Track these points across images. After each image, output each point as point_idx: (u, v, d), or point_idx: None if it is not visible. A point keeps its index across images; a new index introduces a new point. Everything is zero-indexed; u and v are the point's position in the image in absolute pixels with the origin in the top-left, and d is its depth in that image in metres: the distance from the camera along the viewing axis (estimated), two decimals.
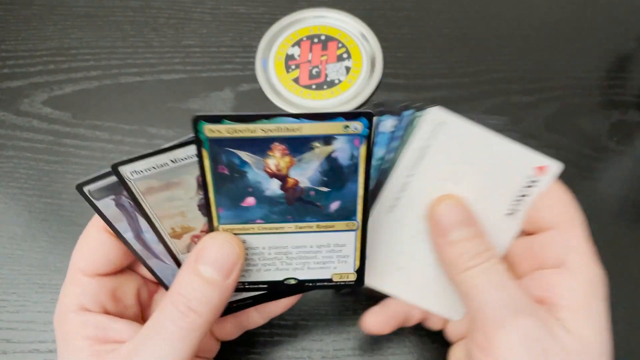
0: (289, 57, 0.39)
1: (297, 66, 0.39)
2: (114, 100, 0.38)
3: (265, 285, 0.24)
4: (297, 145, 0.21)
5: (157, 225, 0.22)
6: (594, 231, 0.33)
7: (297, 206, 0.22)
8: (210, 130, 0.20)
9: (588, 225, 0.33)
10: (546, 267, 0.22)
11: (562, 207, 0.23)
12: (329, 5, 0.41)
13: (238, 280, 0.22)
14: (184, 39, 0.40)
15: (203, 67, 0.39)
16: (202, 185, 0.21)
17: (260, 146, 0.20)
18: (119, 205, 0.22)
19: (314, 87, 0.38)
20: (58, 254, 0.32)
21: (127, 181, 0.22)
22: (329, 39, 0.40)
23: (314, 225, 0.22)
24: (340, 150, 0.21)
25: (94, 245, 0.23)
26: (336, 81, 0.38)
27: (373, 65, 0.39)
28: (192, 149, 0.20)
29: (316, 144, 0.21)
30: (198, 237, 0.22)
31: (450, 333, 0.26)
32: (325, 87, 0.38)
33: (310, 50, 0.39)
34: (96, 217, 0.22)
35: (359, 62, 0.39)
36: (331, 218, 0.22)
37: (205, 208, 0.22)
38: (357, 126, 0.21)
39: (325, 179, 0.21)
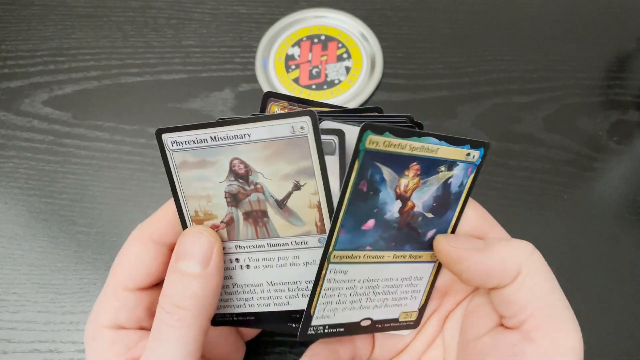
0: (289, 57, 0.39)
1: (297, 66, 0.39)
2: (114, 100, 0.38)
3: (342, 329, 0.22)
4: (429, 168, 0.20)
5: (182, 204, 0.22)
6: (594, 231, 0.33)
7: (404, 232, 0.21)
8: (373, 141, 0.19)
9: (588, 225, 0.33)
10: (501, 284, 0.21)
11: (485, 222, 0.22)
12: (329, 5, 0.41)
13: (320, 325, 0.21)
14: (184, 39, 0.40)
15: (203, 67, 0.39)
16: (338, 201, 0.20)
17: (401, 164, 0.20)
18: None
19: (314, 87, 0.38)
20: (58, 254, 0.32)
21: (166, 150, 0.21)
22: (329, 39, 0.40)
23: (407, 255, 0.22)
24: (456, 176, 0.21)
25: (137, 258, 0.22)
26: (336, 81, 0.38)
27: (373, 65, 0.39)
28: (234, 130, 0.20)
29: (442, 168, 0.21)
30: (217, 227, 0.21)
31: None
32: (325, 87, 0.38)
33: (310, 51, 0.39)
34: (138, 229, 0.22)
35: (359, 62, 0.39)
36: (423, 247, 0.22)
37: (329, 230, 0.20)
38: (475, 154, 0.21)
39: (434, 204, 0.21)
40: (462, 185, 0.21)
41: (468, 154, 0.21)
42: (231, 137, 0.20)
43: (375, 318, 0.22)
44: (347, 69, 0.38)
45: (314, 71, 0.38)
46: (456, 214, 0.22)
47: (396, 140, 0.19)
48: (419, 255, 0.22)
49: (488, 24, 0.40)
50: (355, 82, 0.38)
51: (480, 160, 0.21)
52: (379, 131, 0.19)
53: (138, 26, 0.41)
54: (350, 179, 0.19)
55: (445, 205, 0.21)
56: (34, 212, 0.34)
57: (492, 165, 0.35)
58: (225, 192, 0.21)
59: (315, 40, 0.40)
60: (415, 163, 0.20)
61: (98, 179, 0.35)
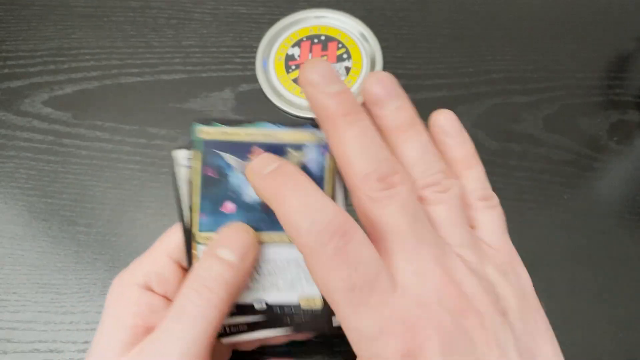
0: (289, 58, 0.39)
1: (297, 66, 0.39)
2: (114, 100, 0.38)
3: (235, 310, 0.22)
4: (274, 152, 0.22)
5: (184, 215, 0.22)
6: (594, 231, 0.33)
7: (271, 213, 0.21)
8: (204, 132, 0.22)
9: (588, 225, 0.33)
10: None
11: None
12: (329, 5, 0.41)
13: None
14: (184, 39, 0.40)
15: (203, 67, 0.39)
16: (189, 188, 0.22)
17: (243, 150, 0.22)
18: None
19: None
20: (58, 254, 0.32)
21: (175, 165, 0.22)
22: (329, 39, 0.40)
23: (284, 236, 0.22)
24: (311, 160, 0.22)
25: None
26: None
27: (373, 65, 0.39)
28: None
29: (289, 149, 0.22)
30: None
31: None
32: None
33: (310, 51, 0.39)
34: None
35: (359, 62, 0.39)
36: None
37: (187, 213, 0.22)
38: (322, 136, 0.22)
39: None
40: (321, 168, 0.22)
41: (313, 134, 0.22)
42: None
43: (270, 301, 0.22)
44: (347, 69, 0.38)
45: None
46: (326, 187, 0.22)
47: (228, 129, 0.22)
48: None
49: (488, 24, 0.40)
50: (356, 82, 0.38)
51: None
52: (208, 123, 0.22)
53: (138, 26, 0.41)
54: (195, 166, 0.22)
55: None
56: (34, 212, 0.34)
57: (492, 165, 0.35)
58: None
59: (315, 41, 0.40)
60: (257, 147, 0.22)
61: (98, 179, 0.35)
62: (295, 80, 0.38)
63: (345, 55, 0.39)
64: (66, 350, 0.30)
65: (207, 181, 0.22)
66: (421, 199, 0.19)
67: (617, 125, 0.36)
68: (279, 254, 0.22)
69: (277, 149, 0.22)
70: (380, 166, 0.18)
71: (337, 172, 0.22)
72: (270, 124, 0.22)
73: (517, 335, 0.18)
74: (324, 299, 0.22)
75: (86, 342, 0.30)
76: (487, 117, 0.36)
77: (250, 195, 0.22)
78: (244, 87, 0.38)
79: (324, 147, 0.22)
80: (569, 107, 0.37)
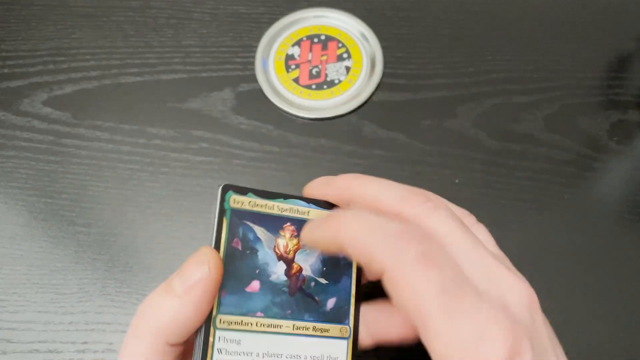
0: (289, 57, 0.39)
1: (297, 66, 0.39)
2: (114, 100, 0.38)
3: None
4: None
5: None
6: (594, 231, 0.33)
7: (298, 299, 0.21)
8: (235, 201, 0.20)
9: (588, 225, 0.33)
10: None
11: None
12: (329, 5, 0.41)
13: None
14: (184, 39, 0.40)
15: (203, 67, 0.39)
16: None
17: (274, 224, 0.21)
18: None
19: (314, 87, 0.38)
20: (58, 254, 0.32)
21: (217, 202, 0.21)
22: (329, 38, 0.40)
23: (310, 327, 0.21)
24: None
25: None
26: (336, 81, 0.38)
27: (373, 65, 0.39)
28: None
29: None
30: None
31: None
32: (325, 87, 0.38)
33: (310, 50, 0.39)
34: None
35: (359, 62, 0.39)
36: (327, 319, 0.21)
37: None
38: None
39: (324, 269, 0.21)
40: None
41: None
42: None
43: None
44: (347, 69, 0.38)
45: (314, 71, 0.38)
46: (353, 281, 0.21)
47: (261, 201, 0.20)
48: (325, 328, 0.21)
49: (488, 24, 0.40)
50: (355, 82, 0.38)
51: None
52: (241, 191, 0.20)
53: (138, 26, 0.41)
54: (220, 237, 0.20)
55: (338, 270, 0.21)
56: (33, 212, 0.34)
57: (492, 165, 0.35)
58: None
59: (315, 40, 0.40)
60: (289, 224, 0.21)
61: (98, 179, 0.35)
62: (295, 80, 0.38)
63: (345, 55, 0.39)
64: (65, 351, 0.30)
65: (233, 254, 0.20)
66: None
67: (617, 125, 0.36)
68: (304, 348, 0.20)
69: None
70: (411, 188, 0.19)
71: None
72: (303, 202, 0.21)
73: (550, 327, 0.19)
74: None
75: (86, 342, 0.30)
76: (487, 117, 0.36)
77: (277, 274, 0.20)
78: (244, 86, 0.38)
79: None
80: (569, 107, 0.37)
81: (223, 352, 0.19)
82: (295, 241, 0.21)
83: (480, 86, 0.38)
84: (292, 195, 0.21)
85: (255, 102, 0.37)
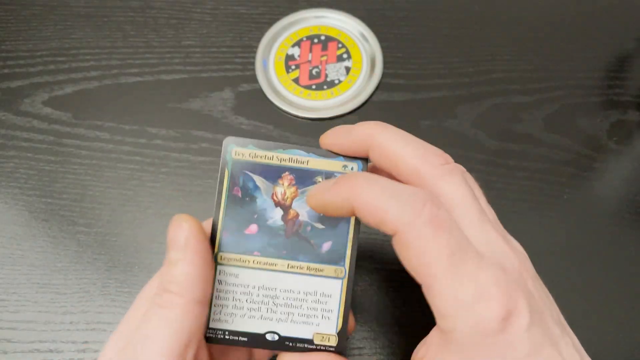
0: (289, 57, 0.39)
1: (297, 66, 0.39)
2: (114, 100, 0.38)
3: (245, 339, 0.22)
4: (303, 178, 0.23)
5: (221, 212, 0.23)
6: (593, 231, 0.33)
7: (293, 241, 0.22)
8: (237, 153, 0.22)
9: (587, 225, 0.33)
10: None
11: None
12: (329, 5, 0.41)
13: (219, 328, 0.22)
14: (184, 39, 0.40)
15: (203, 67, 0.39)
16: (215, 206, 0.22)
17: (273, 173, 0.22)
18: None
19: (314, 87, 0.38)
20: (58, 254, 0.32)
21: (223, 153, 0.23)
22: (329, 39, 0.40)
23: (304, 266, 0.22)
24: None
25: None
26: (336, 81, 0.38)
27: (373, 65, 0.39)
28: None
29: (318, 178, 0.23)
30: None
31: None
32: (325, 87, 0.38)
33: (310, 51, 0.39)
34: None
35: (359, 62, 0.39)
36: (322, 260, 0.22)
37: (211, 230, 0.22)
38: (353, 167, 0.23)
39: (321, 215, 0.22)
40: None
41: (345, 166, 0.23)
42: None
43: (282, 334, 0.22)
44: (347, 69, 0.38)
45: (314, 71, 0.38)
46: (351, 227, 0.22)
47: (261, 152, 0.22)
48: (319, 268, 0.22)
49: (488, 24, 0.40)
50: (355, 82, 0.38)
51: (362, 170, 0.22)
52: (243, 144, 0.22)
53: (138, 26, 0.41)
54: (222, 186, 0.22)
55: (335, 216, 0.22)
56: (34, 212, 0.34)
57: (492, 165, 0.35)
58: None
59: (315, 41, 0.40)
60: (287, 173, 0.23)
61: (98, 179, 0.35)
62: (295, 80, 0.38)
63: (345, 55, 0.39)
64: (66, 350, 0.30)
65: (233, 200, 0.22)
66: None
67: (617, 125, 0.36)
68: (299, 285, 0.22)
69: (307, 176, 0.22)
70: (431, 147, 0.19)
71: None
72: (303, 152, 0.23)
73: (546, 293, 0.20)
74: (339, 337, 0.22)
75: (86, 342, 0.30)
76: (487, 117, 0.36)
77: (274, 219, 0.22)
78: (244, 87, 0.38)
79: None
80: (568, 107, 0.37)
81: (223, 283, 0.22)
82: (293, 189, 0.23)
83: (480, 86, 0.38)
84: (292, 146, 0.22)
85: (256, 102, 0.37)
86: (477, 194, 0.21)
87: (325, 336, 0.22)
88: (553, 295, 0.31)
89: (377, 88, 0.38)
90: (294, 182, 0.23)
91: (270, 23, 0.40)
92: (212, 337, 0.22)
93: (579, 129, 0.36)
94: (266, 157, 0.23)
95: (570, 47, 0.39)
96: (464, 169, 0.21)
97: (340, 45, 0.39)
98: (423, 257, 0.17)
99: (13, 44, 0.40)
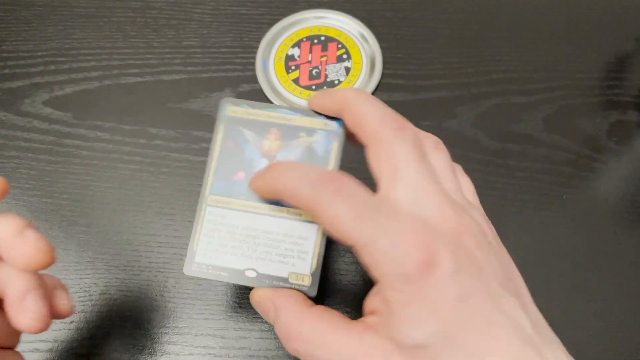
0: (289, 58, 0.39)
1: (297, 67, 0.39)
2: (114, 100, 0.38)
3: (227, 274, 0.24)
4: (288, 133, 0.25)
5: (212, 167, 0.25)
6: (593, 231, 0.33)
7: None
8: (232, 110, 0.26)
9: (587, 225, 0.33)
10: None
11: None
12: (329, 6, 0.41)
13: (203, 262, 0.24)
14: (185, 39, 0.40)
15: (203, 67, 0.39)
16: (209, 155, 0.25)
17: (262, 128, 0.25)
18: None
19: (314, 87, 0.38)
20: (59, 254, 0.32)
21: (219, 111, 0.26)
22: (329, 39, 0.40)
23: (284, 210, 0.25)
24: (319, 142, 0.26)
25: None
26: (336, 82, 0.38)
27: (373, 65, 0.39)
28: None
29: (302, 134, 0.26)
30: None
31: None
32: (325, 87, 0.38)
33: (310, 51, 0.39)
34: None
35: (359, 63, 0.39)
36: None
37: (204, 177, 0.26)
38: (334, 125, 0.25)
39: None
40: (327, 150, 0.25)
41: (326, 124, 0.26)
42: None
43: (260, 271, 0.24)
44: (347, 70, 0.38)
45: (314, 72, 0.38)
46: None
47: (253, 110, 0.26)
48: (297, 212, 0.24)
49: (487, 24, 0.41)
50: (355, 82, 0.38)
51: (341, 130, 0.25)
52: (237, 104, 0.26)
53: (138, 27, 0.41)
54: (217, 137, 0.25)
55: (314, 164, 0.25)
56: (34, 212, 0.34)
57: (492, 166, 0.35)
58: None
59: (315, 41, 0.40)
60: (275, 128, 0.26)
61: (98, 179, 0.35)
62: (295, 81, 0.38)
63: (345, 56, 0.39)
64: (67, 350, 0.30)
65: (225, 150, 0.25)
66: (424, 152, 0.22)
67: (616, 126, 0.36)
68: (278, 227, 0.25)
69: (291, 131, 0.25)
70: (391, 113, 0.21)
71: (339, 156, 0.25)
72: (290, 111, 0.26)
73: (503, 264, 0.20)
74: (312, 277, 0.24)
75: (87, 341, 0.30)
76: (486, 117, 0.37)
77: (259, 167, 0.24)
78: (244, 87, 0.38)
79: (333, 135, 0.25)
80: (568, 107, 0.37)
81: (210, 222, 0.25)
82: (278, 142, 0.26)
83: (479, 87, 0.38)
84: (280, 106, 0.26)
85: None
86: (434, 160, 0.22)
87: (299, 275, 0.24)
88: (552, 295, 0.31)
89: (377, 88, 0.38)
90: (279, 137, 0.26)
91: (270, 24, 0.40)
92: (197, 271, 0.24)
93: (579, 129, 0.36)
94: (256, 115, 0.26)
95: (569, 48, 0.39)
96: (428, 137, 0.22)
97: (340, 46, 0.39)
98: (336, 224, 0.19)
99: (14, 44, 0.40)
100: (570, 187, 0.34)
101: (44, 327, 0.20)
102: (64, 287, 0.23)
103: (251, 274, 0.24)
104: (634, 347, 0.30)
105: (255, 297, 0.23)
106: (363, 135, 0.22)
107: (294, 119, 0.26)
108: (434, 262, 0.18)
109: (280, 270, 0.24)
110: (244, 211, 0.25)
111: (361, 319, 0.20)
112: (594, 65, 0.39)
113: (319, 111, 0.25)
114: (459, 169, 0.24)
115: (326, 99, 0.24)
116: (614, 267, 0.32)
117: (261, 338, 0.30)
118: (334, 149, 0.25)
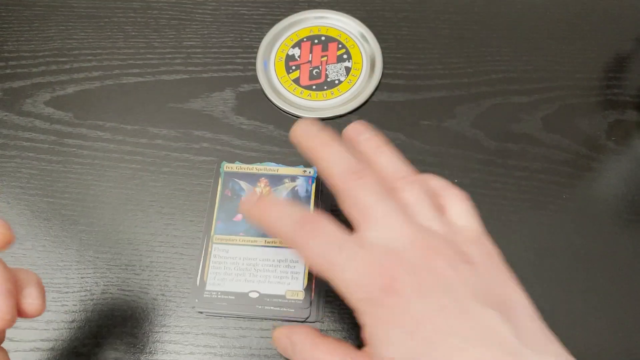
0: (290, 58, 0.39)
1: (298, 67, 0.39)
2: (115, 100, 0.38)
3: (233, 297, 0.30)
4: (275, 180, 0.33)
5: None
6: (592, 231, 0.33)
7: None
8: (227, 166, 0.34)
9: (586, 225, 0.33)
10: None
11: None
12: (329, 6, 0.41)
13: (213, 290, 0.30)
14: (185, 39, 0.40)
15: (204, 67, 0.39)
16: (210, 204, 0.32)
17: (253, 179, 0.33)
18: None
19: (314, 87, 0.38)
20: (60, 253, 0.33)
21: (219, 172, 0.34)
22: (329, 39, 0.40)
23: (277, 241, 0.31)
24: (301, 185, 0.33)
25: None
26: (336, 82, 0.38)
27: (373, 65, 0.39)
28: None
29: (286, 180, 0.33)
30: None
31: None
32: (325, 87, 0.38)
33: (311, 51, 0.39)
34: None
35: (359, 63, 0.39)
36: None
37: (207, 221, 0.32)
38: (310, 171, 0.33)
39: None
40: (307, 191, 0.33)
41: (304, 171, 0.33)
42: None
43: (262, 292, 0.30)
44: (347, 70, 0.39)
45: (314, 72, 0.39)
46: (310, 210, 0.32)
47: (244, 165, 0.34)
48: None
49: (488, 24, 0.41)
50: (355, 82, 0.38)
51: (316, 174, 0.33)
52: (231, 161, 0.34)
53: (139, 27, 0.41)
54: (217, 188, 0.33)
55: (300, 203, 0.32)
56: (35, 211, 0.34)
57: (491, 165, 0.35)
58: None
59: (316, 41, 0.40)
60: (263, 178, 0.33)
61: (100, 179, 0.35)
62: (295, 81, 0.38)
63: (345, 56, 0.39)
64: (67, 350, 0.30)
65: (224, 199, 0.33)
66: (394, 190, 0.23)
67: (616, 125, 0.36)
68: (273, 255, 0.31)
69: (277, 179, 0.33)
70: (351, 166, 0.23)
71: (317, 194, 0.32)
72: (274, 163, 0.34)
73: (485, 280, 0.21)
74: (305, 292, 0.29)
75: (87, 341, 0.30)
76: (486, 117, 0.37)
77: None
78: (245, 87, 0.38)
79: (311, 179, 0.33)
80: (567, 107, 0.37)
81: (217, 257, 0.31)
82: (267, 189, 0.33)
83: (479, 86, 0.38)
84: (268, 160, 0.34)
85: (256, 102, 0.38)
86: (407, 194, 0.23)
87: (294, 292, 0.30)
88: (552, 295, 0.31)
89: (377, 88, 0.38)
90: (267, 184, 0.33)
91: (271, 24, 0.40)
92: (208, 297, 0.30)
93: (578, 129, 0.36)
94: (248, 168, 0.33)
95: (569, 48, 0.39)
96: (374, 182, 0.23)
97: (340, 46, 0.40)
98: (311, 259, 0.22)
99: (15, 45, 0.40)
100: (569, 186, 0.34)
101: (4, 324, 0.20)
102: (38, 285, 0.22)
103: (254, 295, 0.30)
104: (634, 347, 0.30)
105: (274, 336, 0.25)
106: (331, 186, 0.24)
107: (279, 169, 0.33)
108: (394, 287, 0.20)
109: (278, 290, 0.30)
110: (244, 245, 0.31)
111: (363, 348, 0.22)
112: (593, 65, 0.39)
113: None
114: (452, 192, 0.25)
115: (302, 144, 0.26)
116: (613, 267, 0.32)
117: (262, 337, 0.30)
118: (313, 189, 0.33)
